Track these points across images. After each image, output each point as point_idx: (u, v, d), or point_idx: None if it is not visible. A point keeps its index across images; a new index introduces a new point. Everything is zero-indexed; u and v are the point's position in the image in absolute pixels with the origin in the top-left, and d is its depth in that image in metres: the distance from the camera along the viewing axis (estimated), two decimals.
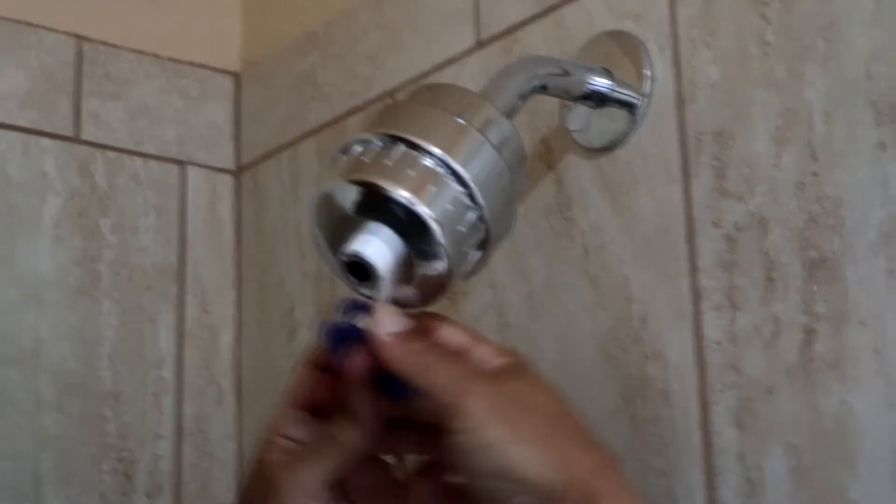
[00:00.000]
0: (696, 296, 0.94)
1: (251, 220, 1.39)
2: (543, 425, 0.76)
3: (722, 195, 0.94)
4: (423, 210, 0.81)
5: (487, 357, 0.81)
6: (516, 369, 0.80)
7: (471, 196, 0.83)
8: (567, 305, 1.03)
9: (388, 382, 0.80)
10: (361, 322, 0.81)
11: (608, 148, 1.02)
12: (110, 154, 1.34)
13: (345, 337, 0.81)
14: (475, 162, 0.84)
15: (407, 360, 0.79)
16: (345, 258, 0.82)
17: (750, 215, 0.92)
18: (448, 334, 0.82)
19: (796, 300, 0.88)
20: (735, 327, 0.92)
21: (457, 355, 0.80)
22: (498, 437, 0.74)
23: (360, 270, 0.82)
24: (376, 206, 0.82)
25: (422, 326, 0.82)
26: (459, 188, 0.83)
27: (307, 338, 1.28)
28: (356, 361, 0.80)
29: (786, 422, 0.88)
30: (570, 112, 1.05)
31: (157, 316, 1.33)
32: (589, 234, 1.03)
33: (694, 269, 0.95)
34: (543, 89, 0.97)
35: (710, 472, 0.92)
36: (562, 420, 0.78)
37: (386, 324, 0.80)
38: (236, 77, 1.45)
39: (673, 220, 0.97)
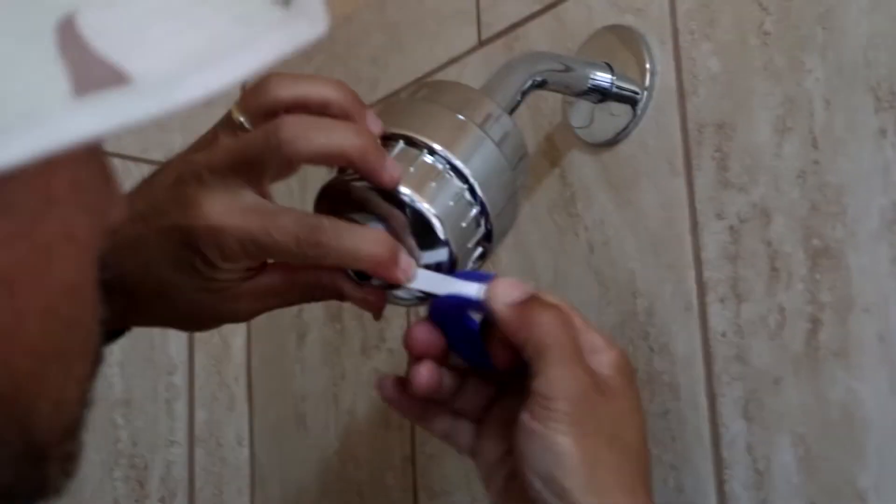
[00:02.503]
0: (702, 288, 0.94)
1: None
2: (616, 461, 0.76)
3: (724, 187, 0.94)
4: (425, 206, 0.81)
5: (599, 343, 0.81)
6: (622, 378, 0.80)
7: (472, 192, 0.83)
8: (573, 301, 1.02)
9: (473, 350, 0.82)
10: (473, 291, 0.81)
11: (611, 143, 1.02)
12: (115, 161, 1.33)
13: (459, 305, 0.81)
14: (476, 158, 0.84)
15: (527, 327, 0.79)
16: None
17: (752, 206, 0.92)
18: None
19: (800, 289, 0.88)
20: (741, 318, 0.92)
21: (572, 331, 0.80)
22: (570, 448, 0.75)
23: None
24: (378, 203, 0.83)
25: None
26: (461, 184, 0.83)
27: (317, 341, 1.28)
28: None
29: (793, 412, 0.88)
30: (572, 108, 1.06)
31: None
32: (593, 230, 1.03)
33: (698, 262, 0.95)
34: (544, 85, 0.97)
35: (719, 465, 0.92)
36: (634, 463, 0.78)
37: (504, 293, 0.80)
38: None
39: (677, 213, 0.97)
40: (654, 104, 1.00)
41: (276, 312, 1.33)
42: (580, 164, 1.04)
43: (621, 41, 1.02)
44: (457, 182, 0.83)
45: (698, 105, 0.96)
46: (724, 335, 0.92)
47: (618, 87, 1.01)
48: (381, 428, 1.19)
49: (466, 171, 0.83)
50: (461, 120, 0.85)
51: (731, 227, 0.93)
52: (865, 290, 0.85)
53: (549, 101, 1.07)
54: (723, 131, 0.94)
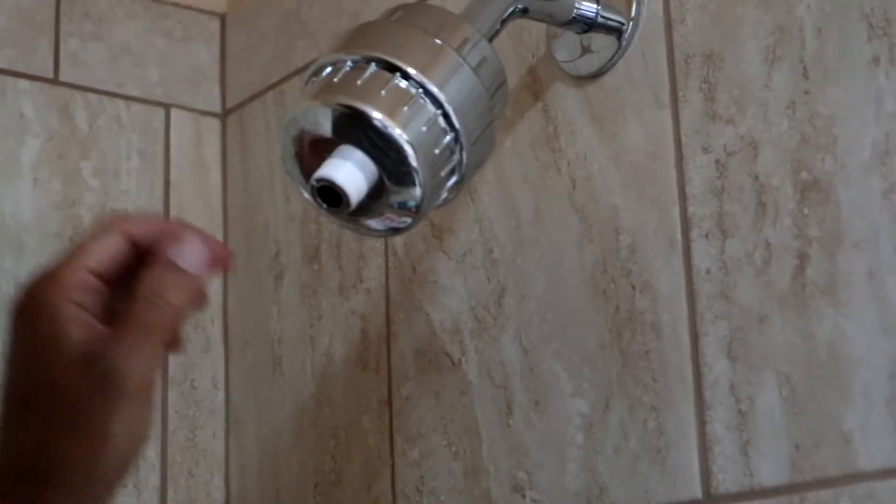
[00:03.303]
0: (686, 224, 0.92)
1: (237, 163, 1.36)
2: None
3: (711, 119, 0.91)
4: (396, 133, 0.79)
5: None
6: None
7: (446, 118, 0.81)
8: (554, 238, 1.00)
9: None
10: None
11: (595, 75, 0.99)
12: (91, 96, 1.31)
13: None
14: (452, 83, 0.82)
15: None
16: (315, 183, 0.79)
17: (740, 138, 0.89)
18: None
19: (788, 224, 0.85)
20: (726, 255, 0.89)
21: None
22: None
23: (332, 196, 0.79)
24: (348, 129, 0.80)
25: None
26: (434, 110, 0.80)
27: (294, 282, 1.25)
28: None
29: (778, 351, 0.85)
30: (556, 40, 1.02)
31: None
32: (576, 165, 1.00)
33: (683, 197, 0.92)
34: (526, 13, 0.94)
35: (701, 406, 0.89)
36: None
37: None
38: (222, 18, 1.42)
39: (662, 146, 0.94)
40: (640, 34, 0.97)
41: (253, 253, 1.31)
42: (563, 98, 1.01)
43: None
44: (430, 107, 0.80)
45: (685, 34, 0.93)
46: (708, 272, 0.90)
47: (603, 17, 0.98)
48: (358, 370, 1.16)
49: (441, 97, 0.80)
50: (437, 44, 0.82)
51: (718, 161, 0.90)
52: (855, 224, 0.82)
53: (533, 32, 1.04)
54: (710, 61, 0.91)
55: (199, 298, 0.75)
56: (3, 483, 0.72)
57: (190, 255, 0.74)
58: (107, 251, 0.74)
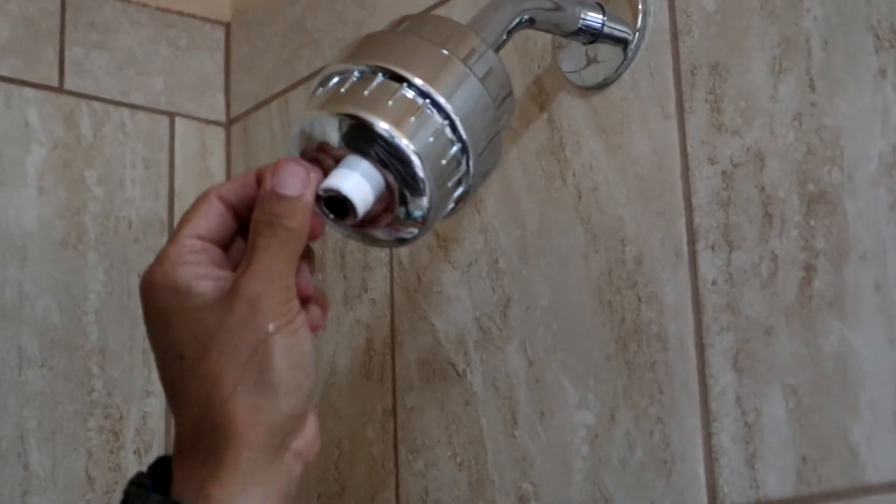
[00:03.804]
0: (692, 235, 0.91)
1: (241, 172, 1.36)
2: None
3: (717, 130, 0.91)
4: (403, 142, 0.78)
5: None
6: None
7: (453, 129, 0.80)
8: (560, 249, 1.00)
9: None
10: None
11: (601, 86, 0.99)
12: (96, 105, 1.31)
13: None
14: (459, 94, 0.81)
15: None
16: (322, 193, 0.79)
17: (746, 150, 0.89)
18: None
19: (794, 236, 0.85)
20: (732, 267, 0.89)
21: None
22: None
23: (338, 206, 0.79)
24: (355, 139, 0.79)
25: None
26: (441, 120, 0.80)
27: None
28: None
29: (784, 363, 0.85)
30: (562, 51, 1.02)
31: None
32: (581, 176, 0.99)
33: (689, 208, 0.92)
34: (532, 23, 0.93)
35: (707, 418, 0.89)
36: None
37: None
38: (227, 27, 1.42)
39: (668, 157, 0.94)
40: (646, 45, 0.97)
41: None
42: (569, 108, 1.01)
43: None
44: (437, 118, 0.80)
45: (692, 46, 0.93)
46: (714, 283, 0.89)
47: (609, 28, 0.98)
48: (363, 380, 1.16)
49: (448, 107, 0.80)
50: (444, 54, 0.82)
51: (724, 172, 0.90)
52: (862, 236, 0.82)
53: (539, 42, 1.04)
54: (717, 73, 0.91)
55: (313, 224, 0.76)
56: (183, 453, 0.72)
57: (287, 179, 0.75)
58: (205, 217, 0.75)
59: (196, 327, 0.72)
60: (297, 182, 0.75)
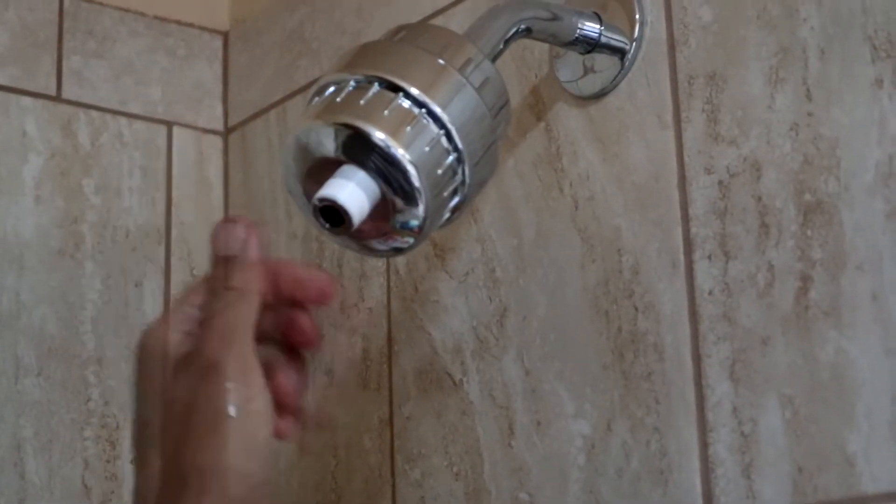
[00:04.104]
0: (689, 245, 0.91)
1: (239, 181, 1.36)
2: None
3: (714, 140, 0.91)
4: (399, 152, 0.78)
5: None
6: None
7: (449, 138, 0.80)
8: (557, 259, 1.00)
9: None
10: None
11: (598, 95, 0.99)
12: (94, 114, 1.31)
13: None
14: (455, 103, 0.81)
15: None
16: (317, 203, 0.79)
17: (743, 160, 0.89)
18: None
19: (791, 246, 0.85)
20: (728, 277, 0.88)
21: None
22: None
23: (334, 215, 0.79)
24: (350, 148, 0.79)
25: None
26: (437, 130, 0.80)
27: None
28: None
29: (781, 373, 0.85)
30: (559, 60, 1.02)
31: (142, 279, 1.30)
32: (578, 185, 0.99)
33: (686, 218, 0.92)
34: (529, 33, 0.93)
35: (704, 428, 0.89)
36: None
37: None
38: (225, 36, 1.42)
39: (664, 167, 0.94)
40: (644, 55, 0.97)
41: None
42: (566, 118, 1.01)
43: None
44: (433, 128, 0.80)
45: (689, 56, 0.93)
46: (711, 293, 0.89)
47: (606, 38, 0.97)
48: (359, 389, 1.16)
49: (444, 117, 0.80)
50: (440, 64, 0.82)
51: (721, 182, 0.90)
52: (859, 246, 0.82)
53: (536, 52, 1.04)
54: (714, 83, 0.91)
55: (308, 333, 0.77)
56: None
57: (225, 240, 0.76)
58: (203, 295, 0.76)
59: (161, 383, 0.74)
60: (235, 241, 0.76)
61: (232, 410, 0.70)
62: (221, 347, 0.72)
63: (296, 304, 0.77)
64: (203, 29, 1.41)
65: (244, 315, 0.74)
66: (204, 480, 0.70)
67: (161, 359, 0.74)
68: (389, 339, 1.13)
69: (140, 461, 0.75)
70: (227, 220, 0.78)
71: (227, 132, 1.39)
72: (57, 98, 1.29)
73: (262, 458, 0.71)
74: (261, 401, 0.72)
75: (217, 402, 0.71)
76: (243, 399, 0.71)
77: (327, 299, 0.78)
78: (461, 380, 1.06)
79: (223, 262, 0.75)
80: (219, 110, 1.40)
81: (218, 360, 0.71)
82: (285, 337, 0.77)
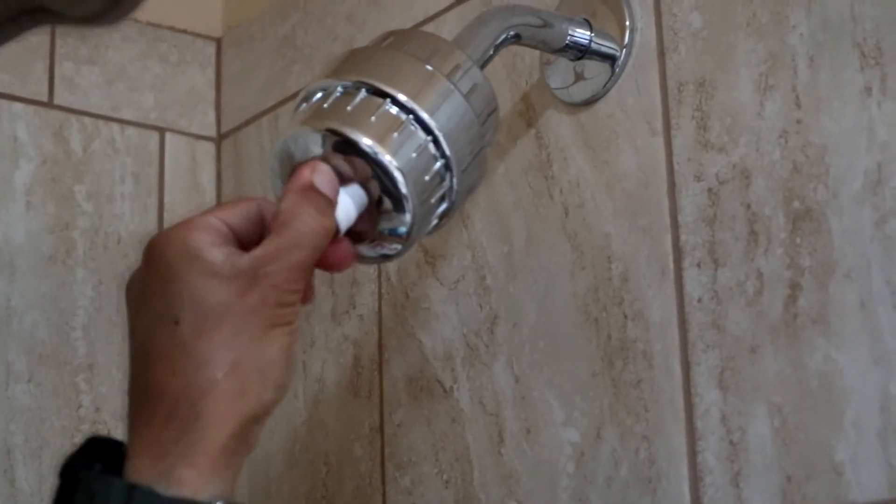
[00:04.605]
0: (678, 252, 0.91)
1: (231, 187, 1.36)
2: None
3: (704, 147, 0.90)
4: (386, 158, 0.78)
5: None
6: None
7: (437, 144, 0.80)
8: (547, 266, 1.00)
9: None
10: None
11: (588, 102, 0.99)
12: (86, 120, 1.31)
13: None
14: (443, 110, 0.81)
15: None
16: None
17: (732, 167, 0.88)
18: None
19: (780, 254, 0.85)
20: (717, 284, 0.88)
21: None
22: None
23: None
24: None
25: None
26: (425, 136, 0.80)
27: None
28: None
29: (770, 381, 0.85)
30: (549, 67, 1.02)
31: None
32: (568, 192, 0.99)
33: (675, 225, 0.91)
34: (519, 39, 0.93)
35: (692, 436, 0.89)
36: None
37: None
38: (217, 43, 1.42)
39: (654, 174, 0.93)
40: (634, 62, 0.96)
41: None
42: (556, 125, 1.01)
43: None
44: (421, 134, 0.79)
45: (678, 62, 0.93)
46: (700, 301, 0.89)
47: (596, 44, 0.97)
48: (350, 396, 1.15)
49: (431, 123, 0.80)
50: (428, 70, 0.82)
51: (710, 189, 0.89)
52: (847, 254, 0.81)
53: (526, 59, 1.04)
54: (703, 90, 0.91)
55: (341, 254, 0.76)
56: (151, 427, 0.70)
57: (322, 179, 0.75)
58: (236, 209, 0.75)
59: (199, 294, 0.70)
60: (331, 187, 0.75)
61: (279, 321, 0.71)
62: (285, 278, 0.71)
63: None
64: (196, 35, 1.41)
65: (315, 253, 0.73)
66: (244, 385, 0.70)
67: (189, 254, 0.71)
68: (380, 347, 1.13)
69: (163, 365, 0.71)
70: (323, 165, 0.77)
71: (219, 138, 1.39)
72: (49, 104, 1.29)
73: (292, 374, 0.72)
74: (297, 333, 0.73)
75: (269, 318, 0.71)
76: (290, 326, 0.72)
77: None
78: (451, 387, 1.05)
79: (317, 194, 0.74)
80: (211, 116, 1.40)
81: (276, 288, 0.71)
82: None
